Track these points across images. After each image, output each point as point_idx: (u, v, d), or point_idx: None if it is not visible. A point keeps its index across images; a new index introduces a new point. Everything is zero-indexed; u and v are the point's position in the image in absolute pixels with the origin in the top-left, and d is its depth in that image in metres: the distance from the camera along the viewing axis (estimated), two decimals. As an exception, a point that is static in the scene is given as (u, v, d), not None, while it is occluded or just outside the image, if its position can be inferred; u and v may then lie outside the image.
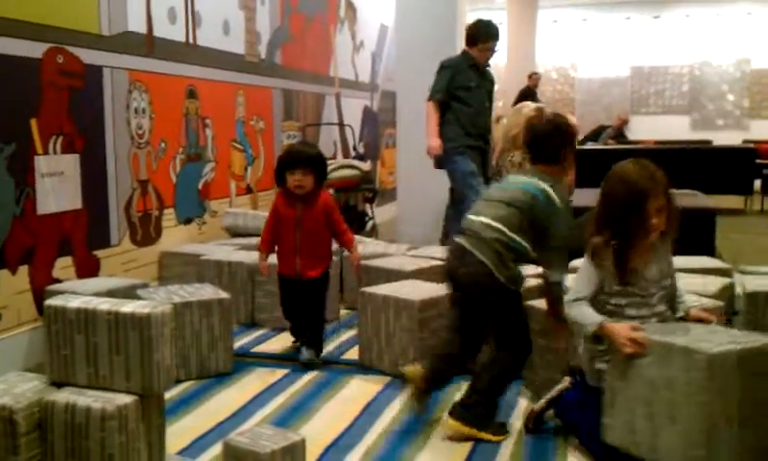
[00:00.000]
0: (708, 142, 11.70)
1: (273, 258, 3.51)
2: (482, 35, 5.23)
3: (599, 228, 2.46)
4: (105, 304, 1.53)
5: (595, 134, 11.90)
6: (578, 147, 9.87)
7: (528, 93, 11.50)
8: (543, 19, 13.01)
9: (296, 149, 3.57)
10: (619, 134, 12.00)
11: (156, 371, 1.47)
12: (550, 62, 14.05)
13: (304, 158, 3.37)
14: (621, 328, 2.29)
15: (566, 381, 2.63)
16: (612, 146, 10.79)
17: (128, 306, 1.47)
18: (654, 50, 13.64)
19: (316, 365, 3.35)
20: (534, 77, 11.78)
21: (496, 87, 5.68)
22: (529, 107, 4.70)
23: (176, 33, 4.63)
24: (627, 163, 2.49)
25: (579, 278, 2.50)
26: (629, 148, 9.77)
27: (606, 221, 2.45)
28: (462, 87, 5.17)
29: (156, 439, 1.53)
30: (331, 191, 5.80)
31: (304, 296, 3.44)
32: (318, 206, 3.39)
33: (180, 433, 2.57)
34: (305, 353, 3.39)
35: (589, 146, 10.51)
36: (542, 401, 2.64)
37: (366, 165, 6.21)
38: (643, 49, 13.68)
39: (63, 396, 1.50)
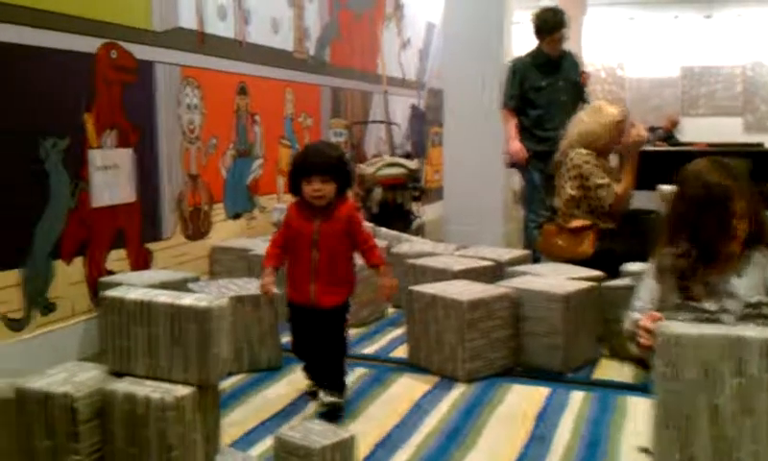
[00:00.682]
0: (761, 145, 11.46)
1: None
2: (548, 25, 5.05)
3: (672, 235, 2.23)
4: (163, 297, 1.55)
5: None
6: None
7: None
8: (591, 18, 12.87)
9: (313, 151, 2.86)
10: (670, 136, 11.81)
11: (214, 363, 1.48)
12: (599, 62, 13.88)
13: (323, 163, 2.74)
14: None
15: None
16: (663, 148, 10.63)
17: (186, 299, 1.49)
18: (705, 50, 13.40)
19: (340, 408, 2.76)
20: (584, 75, 11.64)
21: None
22: (611, 110, 4.28)
23: (226, 30, 4.67)
24: (703, 161, 2.28)
25: (642, 289, 2.33)
26: (680, 150, 9.60)
27: (680, 227, 2.21)
28: (531, 89, 5.08)
29: (212, 430, 1.55)
30: (380, 189, 5.81)
31: (321, 328, 2.79)
32: (340, 218, 2.77)
33: (230, 426, 2.59)
34: (327, 397, 2.74)
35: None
36: None
37: (413, 163, 6.20)
38: (694, 49, 13.45)
39: (123, 386, 1.53)
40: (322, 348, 2.81)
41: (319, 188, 2.71)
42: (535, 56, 5.17)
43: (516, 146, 5.09)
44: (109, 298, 1.56)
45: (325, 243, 2.74)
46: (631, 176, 4.19)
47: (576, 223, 4.09)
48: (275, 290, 2.79)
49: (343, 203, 2.81)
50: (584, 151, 4.08)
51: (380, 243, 4.51)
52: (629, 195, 4.19)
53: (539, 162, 5.06)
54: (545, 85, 5.08)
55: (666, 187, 4.67)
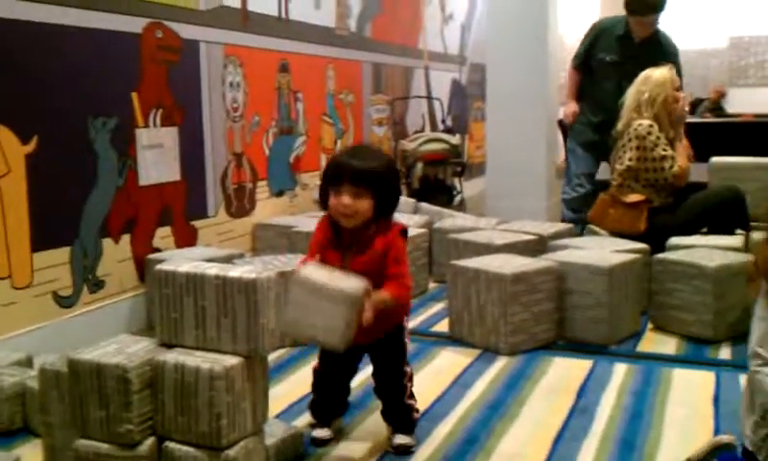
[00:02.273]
0: (811, 115, 11.19)
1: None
2: (640, 5, 4.55)
3: None
4: (213, 269, 1.59)
5: (692, 107, 11.54)
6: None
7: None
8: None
9: (350, 152, 2.20)
10: (716, 108, 11.60)
11: (262, 333, 1.52)
12: (644, 33, 13.64)
13: (359, 169, 2.07)
14: None
15: (726, 438, 2.06)
16: (710, 119, 10.44)
17: (234, 271, 1.53)
18: (754, 19, 13.07)
19: (411, 448, 2.32)
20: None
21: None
22: (662, 71, 4.10)
23: (269, 7, 4.69)
24: None
25: (760, 331, 1.84)
26: (728, 121, 9.42)
27: None
28: (599, 60, 4.74)
29: (260, 400, 1.59)
30: (421, 165, 5.82)
31: (374, 365, 2.33)
32: (376, 252, 2.10)
33: (275, 399, 2.64)
34: (398, 439, 2.32)
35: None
36: (699, 452, 2.03)
37: (455, 139, 6.18)
38: (743, 18, 13.13)
39: (173, 356, 1.57)
40: (381, 388, 2.34)
41: (349, 203, 2.04)
42: (619, 25, 4.73)
43: (569, 108, 4.91)
44: (162, 271, 1.60)
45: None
46: (688, 150, 4.14)
47: (633, 197, 4.04)
48: None
49: (386, 229, 2.14)
50: (646, 122, 4.02)
51: (420, 219, 4.55)
52: (689, 169, 4.12)
53: (592, 157, 4.92)
54: (614, 61, 4.71)
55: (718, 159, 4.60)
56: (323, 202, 2.17)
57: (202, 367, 1.53)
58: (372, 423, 2.49)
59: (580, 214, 4.81)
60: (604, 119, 4.66)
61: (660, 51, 4.66)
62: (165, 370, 1.57)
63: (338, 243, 2.12)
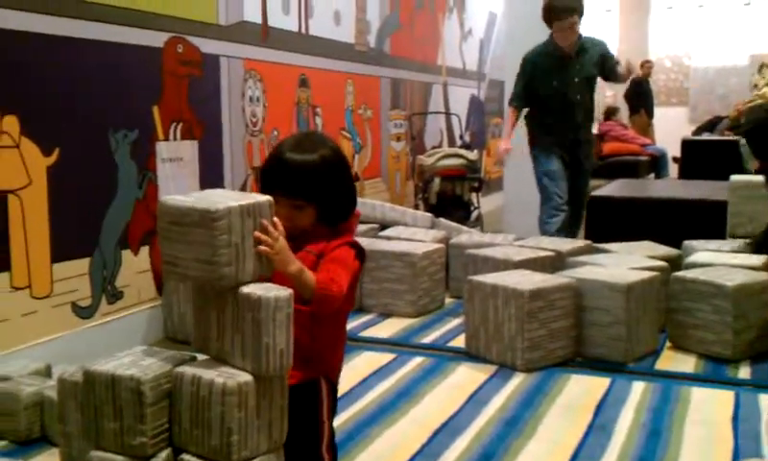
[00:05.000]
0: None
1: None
2: (551, 10, 4.43)
3: None
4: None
5: (711, 125, 11.48)
6: (694, 138, 9.57)
7: (641, 82, 11.21)
8: (657, 5, 12.62)
9: (282, 151, 1.74)
10: (737, 125, 11.52)
11: (266, 353, 1.51)
12: (663, 51, 13.61)
13: (291, 176, 1.70)
14: None
15: None
16: (730, 137, 10.38)
17: (248, 288, 1.53)
18: (776, 37, 13.02)
19: None
20: (646, 66, 11.46)
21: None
22: None
23: (289, 22, 4.73)
24: None
25: None
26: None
27: None
28: (541, 88, 4.65)
29: (277, 418, 1.58)
30: (438, 180, 5.82)
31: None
32: (312, 248, 1.72)
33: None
34: None
35: (706, 137, 10.14)
36: None
37: (472, 154, 6.18)
38: (764, 35, 13.07)
39: (191, 368, 1.57)
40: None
41: (287, 213, 1.68)
42: (547, 49, 4.62)
43: (505, 145, 4.81)
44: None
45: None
46: None
47: None
48: None
49: (333, 236, 1.73)
50: None
51: (438, 234, 4.54)
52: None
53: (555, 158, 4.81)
54: (556, 86, 4.63)
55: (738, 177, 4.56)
56: None
57: (216, 381, 1.53)
58: None
59: (562, 234, 4.75)
60: (572, 137, 4.76)
61: (595, 52, 4.68)
62: (183, 382, 1.57)
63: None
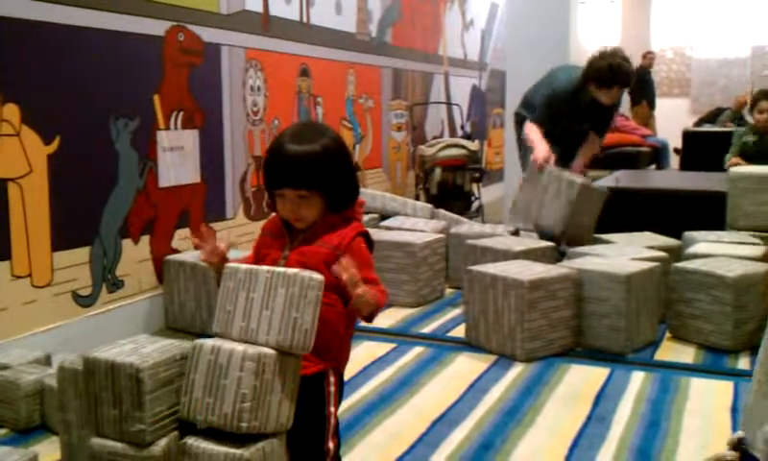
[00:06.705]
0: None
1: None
2: (605, 79, 4.16)
3: None
4: (265, 266, 1.63)
5: (713, 117, 11.46)
6: (695, 129, 9.56)
7: (642, 73, 11.17)
8: (660, -2, 12.60)
9: (283, 144, 1.72)
10: (738, 117, 11.50)
11: (292, 328, 1.55)
12: (665, 42, 13.57)
13: (299, 167, 1.69)
14: None
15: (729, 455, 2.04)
16: (732, 129, 10.36)
17: (281, 268, 1.60)
18: (778, 28, 12.98)
19: None
20: (648, 56, 11.43)
21: None
22: None
23: (290, 11, 4.71)
24: None
25: None
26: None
27: None
28: (559, 121, 4.40)
29: (288, 396, 1.59)
30: (439, 170, 5.82)
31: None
32: (326, 241, 1.73)
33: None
34: None
35: (707, 128, 10.12)
36: None
37: (473, 145, 6.18)
38: (766, 27, 13.03)
39: (211, 340, 1.62)
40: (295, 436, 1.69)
41: (293, 207, 1.71)
42: (581, 95, 4.32)
43: (543, 153, 4.27)
44: (229, 267, 1.66)
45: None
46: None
47: None
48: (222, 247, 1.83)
49: (344, 223, 1.76)
50: None
51: (438, 224, 4.54)
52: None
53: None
54: (573, 126, 4.48)
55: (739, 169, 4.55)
56: (270, 199, 1.79)
57: (236, 349, 1.58)
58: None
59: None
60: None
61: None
62: (202, 352, 1.61)
63: (282, 237, 1.77)
